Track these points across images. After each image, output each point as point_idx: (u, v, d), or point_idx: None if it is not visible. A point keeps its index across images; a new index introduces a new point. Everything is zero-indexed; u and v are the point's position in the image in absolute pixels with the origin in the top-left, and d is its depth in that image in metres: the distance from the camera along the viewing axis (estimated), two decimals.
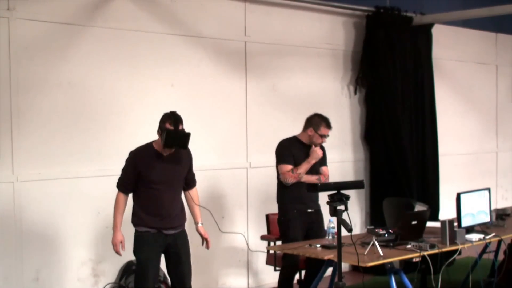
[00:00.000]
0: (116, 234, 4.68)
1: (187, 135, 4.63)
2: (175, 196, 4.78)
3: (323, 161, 5.69)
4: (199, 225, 4.93)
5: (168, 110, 4.65)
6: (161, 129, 4.60)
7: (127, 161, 4.74)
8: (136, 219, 4.74)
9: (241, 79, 6.63)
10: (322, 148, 5.70)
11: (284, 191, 5.54)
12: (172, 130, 4.56)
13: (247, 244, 5.95)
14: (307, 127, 5.61)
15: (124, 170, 4.75)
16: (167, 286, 5.62)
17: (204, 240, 4.94)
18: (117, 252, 4.72)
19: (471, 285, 5.87)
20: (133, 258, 5.63)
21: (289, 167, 5.47)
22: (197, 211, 4.96)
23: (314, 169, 5.59)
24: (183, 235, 4.84)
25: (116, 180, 4.77)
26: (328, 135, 5.62)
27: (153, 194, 4.67)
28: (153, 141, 4.73)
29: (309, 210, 5.58)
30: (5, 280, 5.16)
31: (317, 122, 5.56)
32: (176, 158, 4.73)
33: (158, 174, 4.64)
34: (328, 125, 5.58)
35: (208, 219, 4.98)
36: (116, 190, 4.75)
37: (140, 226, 4.72)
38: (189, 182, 4.93)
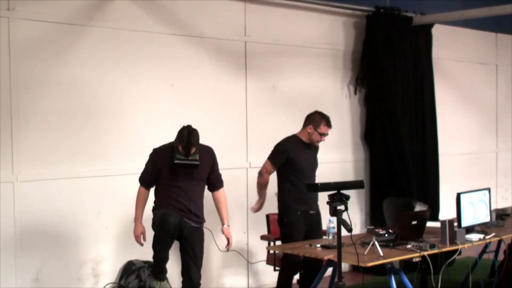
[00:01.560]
0: (138, 226, 4.87)
1: (195, 165, 4.71)
2: (194, 195, 4.86)
3: (316, 162, 5.73)
4: (225, 226, 5.02)
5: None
6: (175, 144, 4.70)
7: (149, 157, 4.90)
8: (155, 206, 4.93)
9: (241, 79, 6.62)
10: (316, 148, 5.70)
11: (288, 191, 5.52)
12: (179, 157, 4.66)
13: (247, 246, 5.96)
14: (306, 125, 5.58)
15: (145, 165, 4.92)
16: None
17: (227, 240, 5.04)
18: (139, 243, 4.89)
19: (471, 285, 5.87)
20: (133, 258, 5.65)
21: (273, 169, 5.54)
22: (223, 212, 5.04)
23: (315, 166, 5.61)
24: (201, 232, 4.94)
25: (138, 176, 4.96)
26: (327, 134, 5.60)
27: (171, 191, 4.80)
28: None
29: (311, 212, 5.57)
30: (5, 280, 5.15)
31: (317, 120, 5.53)
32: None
33: (176, 173, 4.73)
34: (329, 123, 5.55)
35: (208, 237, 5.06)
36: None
37: (159, 208, 4.87)
38: (214, 182, 4.99)
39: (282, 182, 5.57)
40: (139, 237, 4.87)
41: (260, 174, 5.61)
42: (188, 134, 4.65)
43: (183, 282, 4.94)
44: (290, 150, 5.51)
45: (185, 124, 4.77)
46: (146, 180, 4.91)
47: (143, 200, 4.88)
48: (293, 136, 5.65)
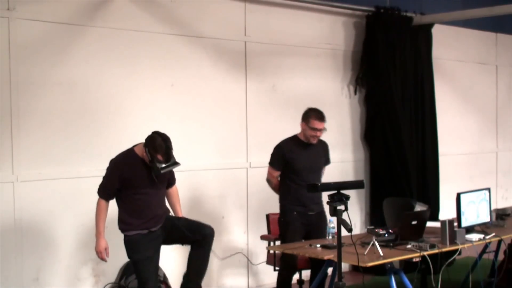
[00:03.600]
0: (100, 241, 4.68)
1: (175, 166, 4.63)
2: (161, 198, 4.84)
3: (327, 159, 5.71)
4: None
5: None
6: (151, 155, 4.53)
7: (110, 169, 4.71)
8: (123, 225, 4.74)
9: (241, 79, 6.62)
10: (324, 145, 5.68)
11: (286, 191, 5.53)
12: (164, 166, 4.54)
13: (247, 246, 5.96)
14: (301, 122, 5.58)
15: (106, 178, 4.72)
16: (167, 286, 5.62)
17: None
18: (103, 259, 4.73)
19: (471, 285, 5.87)
20: None
21: (277, 173, 5.56)
22: (178, 207, 5.03)
23: (316, 166, 5.60)
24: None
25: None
26: (321, 129, 5.47)
27: (140, 199, 4.67)
28: (134, 146, 4.71)
29: (310, 213, 5.55)
30: (5, 280, 5.16)
31: (307, 115, 5.49)
32: None
33: (143, 179, 4.63)
34: (319, 118, 5.44)
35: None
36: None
37: (129, 231, 4.71)
38: (171, 181, 4.96)
39: (282, 182, 5.58)
40: (102, 252, 4.69)
41: (268, 181, 5.68)
42: (164, 141, 4.53)
43: (196, 241, 4.83)
44: (286, 151, 5.51)
45: (151, 133, 4.62)
46: (108, 192, 4.70)
47: (105, 214, 4.71)
48: (293, 136, 5.64)
